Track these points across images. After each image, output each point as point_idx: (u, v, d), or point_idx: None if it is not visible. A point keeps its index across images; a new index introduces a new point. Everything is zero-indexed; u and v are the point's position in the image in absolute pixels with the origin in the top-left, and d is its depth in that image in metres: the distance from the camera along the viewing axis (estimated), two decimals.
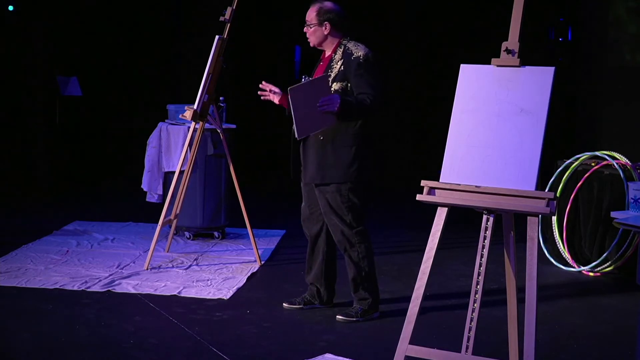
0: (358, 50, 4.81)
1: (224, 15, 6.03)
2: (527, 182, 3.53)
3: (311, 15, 4.93)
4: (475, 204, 3.61)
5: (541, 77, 3.61)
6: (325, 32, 4.90)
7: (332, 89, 4.77)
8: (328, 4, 4.94)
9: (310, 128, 4.74)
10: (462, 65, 3.80)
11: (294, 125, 4.71)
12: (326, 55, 4.97)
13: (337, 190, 4.87)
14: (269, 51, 10.75)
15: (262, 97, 5.06)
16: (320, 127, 4.74)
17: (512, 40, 3.67)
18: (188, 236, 7.02)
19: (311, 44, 4.99)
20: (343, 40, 4.91)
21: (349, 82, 4.79)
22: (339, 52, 4.87)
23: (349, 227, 4.90)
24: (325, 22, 4.89)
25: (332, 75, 4.81)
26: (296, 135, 4.73)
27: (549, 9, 10.30)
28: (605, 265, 6.26)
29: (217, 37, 5.98)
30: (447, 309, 5.24)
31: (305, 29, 4.96)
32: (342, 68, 4.81)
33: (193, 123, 6.14)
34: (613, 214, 5.92)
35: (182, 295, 5.37)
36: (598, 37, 9.05)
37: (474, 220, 4.12)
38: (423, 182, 3.70)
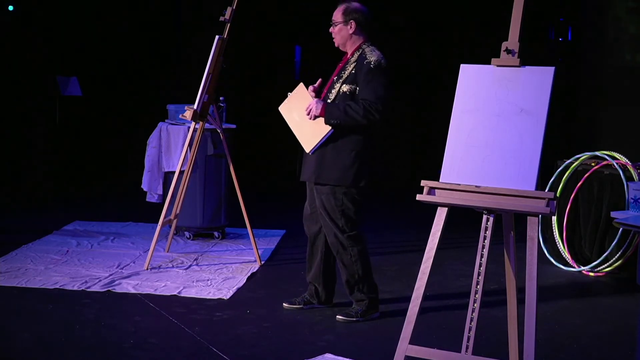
0: (372, 56, 4.82)
1: (224, 15, 6.03)
2: (527, 182, 3.53)
3: (337, 14, 4.94)
4: (475, 204, 3.61)
5: (541, 77, 3.61)
6: (350, 32, 4.90)
7: (341, 90, 4.81)
8: (355, 4, 4.96)
9: (312, 139, 4.82)
10: (462, 65, 3.81)
11: (300, 142, 4.86)
12: (344, 57, 5.00)
13: (331, 192, 4.87)
14: (269, 51, 10.75)
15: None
16: (320, 135, 4.79)
17: (512, 40, 3.67)
18: (188, 236, 7.02)
19: (336, 44, 4.99)
20: (364, 43, 4.92)
21: (358, 85, 4.81)
22: (356, 54, 4.88)
23: (341, 231, 4.89)
24: (351, 21, 4.89)
25: (344, 76, 4.84)
26: (307, 151, 4.84)
27: (549, 9, 10.30)
28: (605, 265, 6.26)
29: (217, 37, 5.98)
30: (447, 309, 5.24)
31: (331, 29, 4.96)
32: (353, 71, 4.82)
33: (193, 123, 6.14)
34: (613, 214, 5.93)
35: (182, 295, 5.37)
36: (598, 37, 9.04)
37: (474, 220, 4.12)
38: (423, 182, 3.70)
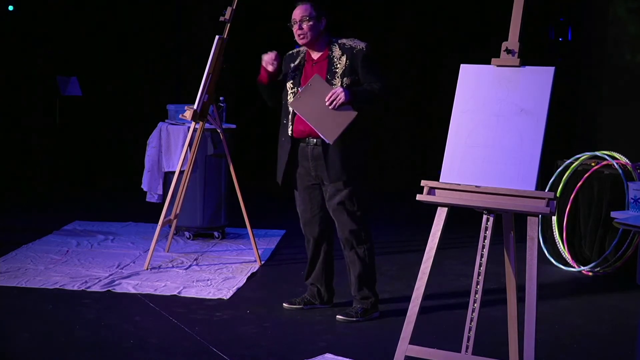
0: (357, 44, 4.84)
1: (224, 15, 6.03)
2: (527, 182, 3.53)
3: (309, 10, 4.87)
4: (475, 204, 3.61)
5: (541, 77, 3.61)
6: (321, 28, 4.90)
7: (344, 84, 4.77)
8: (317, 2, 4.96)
9: (336, 129, 4.70)
10: (462, 65, 3.81)
11: (320, 134, 4.73)
12: (315, 56, 4.92)
13: (355, 187, 4.88)
14: (268, 51, 10.72)
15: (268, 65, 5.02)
16: (345, 124, 4.70)
17: (512, 40, 3.67)
18: (188, 236, 7.02)
19: (305, 41, 4.88)
20: (332, 37, 4.93)
21: (357, 75, 4.81)
22: (335, 49, 4.85)
23: (359, 224, 4.91)
24: (322, 18, 4.90)
25: (339, 71, 4.80)
26: (327, 142, 4.73)
27: (549, 9, 10.30)
28: (605, 265, 6.26)
29: (217, 37, 5.98)
30: (447, 309, 5.24)
31: (298, 26, 4.86)
32: (348, 62, 4.80)
33: (193, 123, 6.14)
34: (613, 214, 5.92)
35: (182, 295, 5.37)
36: (598, 37, 9.04)
37: (474, 220, 4.12)
38: (423, 182, 3.70)
